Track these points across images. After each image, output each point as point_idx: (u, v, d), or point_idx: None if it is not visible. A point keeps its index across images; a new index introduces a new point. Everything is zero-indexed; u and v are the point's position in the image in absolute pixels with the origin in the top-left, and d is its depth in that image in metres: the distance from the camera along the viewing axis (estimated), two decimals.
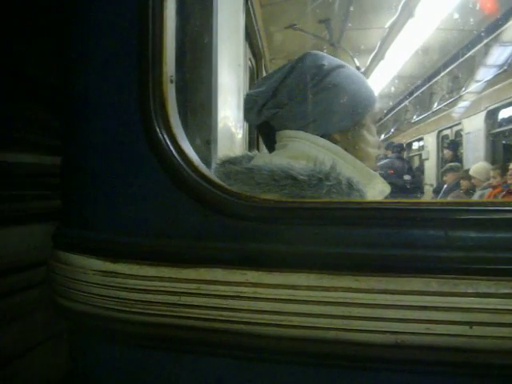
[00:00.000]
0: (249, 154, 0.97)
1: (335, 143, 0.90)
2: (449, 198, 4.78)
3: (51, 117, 1.51)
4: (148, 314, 0.68)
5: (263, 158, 0.89)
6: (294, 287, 0.62)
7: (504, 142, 5.60)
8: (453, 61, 6.16)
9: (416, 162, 8.99)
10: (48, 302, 0.82)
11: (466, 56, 5.80)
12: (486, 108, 5.61)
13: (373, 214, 0.64)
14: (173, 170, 0.69)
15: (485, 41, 5.25)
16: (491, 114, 5.59)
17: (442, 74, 6.82)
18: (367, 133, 0.95)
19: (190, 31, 1.08)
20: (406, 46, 5.08)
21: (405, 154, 7.76)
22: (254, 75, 2.74)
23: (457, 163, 5.71)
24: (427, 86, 7.53)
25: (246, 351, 0.67)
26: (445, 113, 7.21)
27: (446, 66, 6.48)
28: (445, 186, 5.44)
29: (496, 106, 5.49)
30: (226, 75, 1.30)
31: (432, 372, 0.61)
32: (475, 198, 4.41)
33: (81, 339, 0.80)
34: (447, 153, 6.40)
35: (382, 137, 10.84)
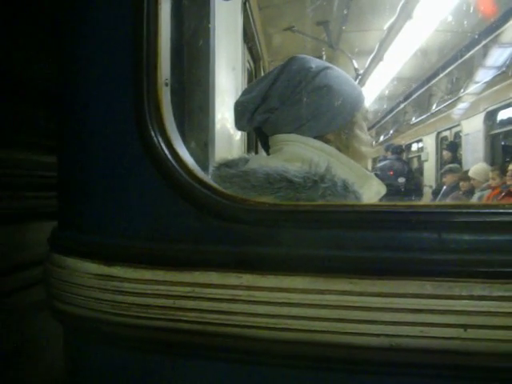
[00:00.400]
0: (246, 156, 0.97)
1: (329, 143, 0.90)
2: (448, 200, 4.78)
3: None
4: (143, 318, 0.68)
5: (259, 160, 0.89)
6: (289, 290, 0.62)
7: (503, 143, 5.60)
8: (451, 62, 6.16)
9: (415, 164, 8.99)
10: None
11: (465, 57, 5.80)
12: (485, 109, 5.61)
13: (367, 217, 0.64)
14: (167, 173, 0.69)
15: (483, 42, 5.25)
16: (490, 116, 5.58)
17: (441, 75, 6.82)
18: (359, 131, 0.96)
19: (188, 33, 1.08)
20: (405, 47, 5.08)
21: (404, 156, 7.76)
22: (252, 77, 2.74)
23: (456, 164, 5.72)
24: (426, 87, 7.53)
25: (241, 354, 0.66)
26: (444, 114, 7.21)
27: (444, 67, 6.48)
28: (444, 187, 5.44)
29: (495, 107, 5.49)
30: (223, 77, 1.30)
31: (427, 375, 0.61)
32: (474, 199, 4.41)
33: (76, 342, 0.80)
34: (446, 154, 6.40)
35: (382, 138, 10.85)
